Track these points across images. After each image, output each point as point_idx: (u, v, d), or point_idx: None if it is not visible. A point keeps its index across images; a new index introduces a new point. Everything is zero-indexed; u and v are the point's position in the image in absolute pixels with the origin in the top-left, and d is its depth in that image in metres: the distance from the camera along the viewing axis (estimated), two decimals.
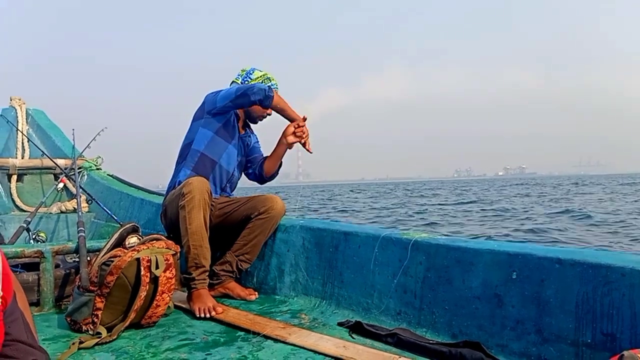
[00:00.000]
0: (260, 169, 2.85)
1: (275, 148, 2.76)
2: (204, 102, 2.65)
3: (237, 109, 2.60)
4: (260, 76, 2.70)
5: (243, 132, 2.79)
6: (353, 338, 1.93)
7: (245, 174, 2.92)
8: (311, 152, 2.56)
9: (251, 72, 2.71)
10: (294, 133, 2.62)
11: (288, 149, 2.72)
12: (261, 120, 2.80)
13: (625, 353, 1.20)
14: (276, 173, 2.86)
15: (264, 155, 2.89)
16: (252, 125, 2.89)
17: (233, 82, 2.72)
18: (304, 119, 2.63)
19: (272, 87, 2.58)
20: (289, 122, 2.62)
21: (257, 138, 2.93)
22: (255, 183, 2.93)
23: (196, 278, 2.32)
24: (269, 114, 2.77)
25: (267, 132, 2.88)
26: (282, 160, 2.80)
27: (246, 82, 2.68)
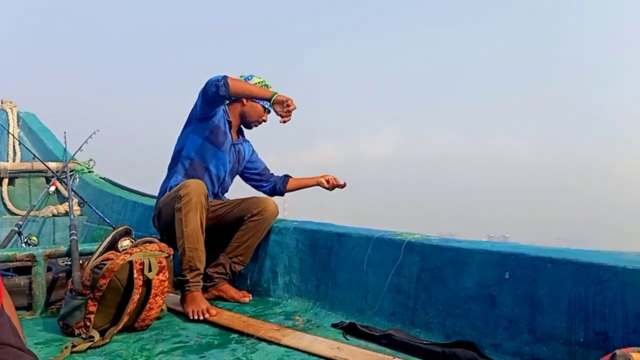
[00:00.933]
0: (282, 187, 2.94)
1: (308, 179, 2.96)
2: (193, 108, 2.65)
3: (212, 108, 2.55)
4: (258, 82, 2.66)
5: (236, 138, 2.77)
6: (347, 339, 1.93)
7: (255, 186, 2.96)
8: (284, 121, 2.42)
9: (249, 77, 2.68)
10: (328, 182, 2.86)
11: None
12: (256, 126, 2.77)
13: (618, 351, 1.21)
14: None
15: (285, 174, 2.98)
16: (246, 131, 2.86)
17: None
18: (344, 185, 2.89)
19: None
20: (279, 117, 2.43)
21: (252, 147, 2.93)
22: (249, 186, 2.96)
23: (190, 281, 2.30)
24: (264, 120, 2.74)
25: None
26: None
27: None
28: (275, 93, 2.39)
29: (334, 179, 2.87)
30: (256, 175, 2.93)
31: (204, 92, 2.47)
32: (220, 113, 2.62)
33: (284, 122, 2.38)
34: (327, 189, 2.89)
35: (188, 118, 2.65)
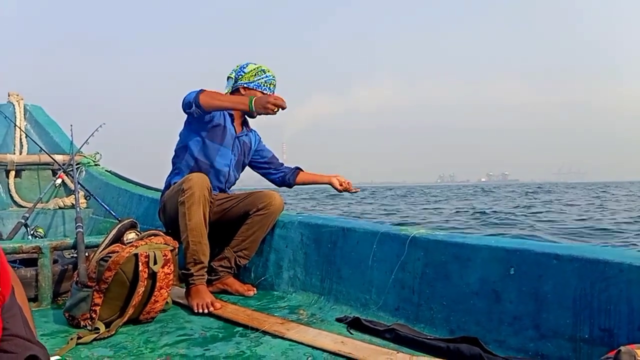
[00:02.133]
0: (291, 178, 2.93)
1: (320, 176, 2.96)
2: None
3: (201, 117, 2.57)
4: (254, 69, 2.64)
5: (240, 130, 2.76)
6: (351, 334, 1.93)
7: (265, 175, 2.97)
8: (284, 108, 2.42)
9: (245, 66, 2.66)
10: (341, 184, 2.86)
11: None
12: (259, 114, 2.75)
13: (623, 348, 1.20)
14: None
15: (297, 166, 2.97)
16: (249, 120, 2.84)
17: (228, 77, 2.68)
18: (356, 191, 2.94)
19: (260, 86, 2.63)
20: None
21: (258, 135, 2.91)
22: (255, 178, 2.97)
23: (195, 274, 2.31)
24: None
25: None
26: None
27: (240, 77, 2.63)
28: (252, 100, 2.36)
29: (348, 183, 2.87)
30: (264, 164, 2.92)
31: (183, 111, 2.52)
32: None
33: (276, 106, 2.36)
34: (337, 190, 2.89)
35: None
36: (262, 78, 2.64)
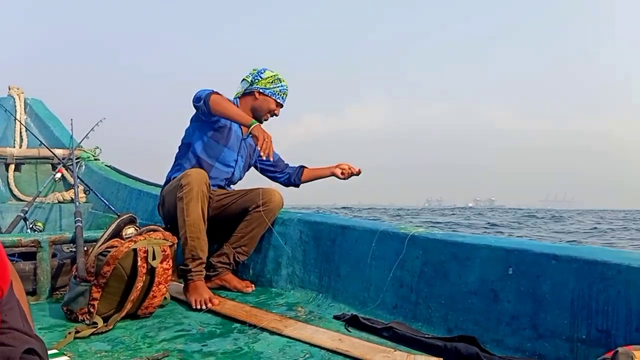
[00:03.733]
0: (297, 178, 2.92)
1: (323, 170, 2.90)
2: None
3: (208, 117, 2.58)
4: (271, 76, 2.67)
5: (247, 131, 2.77)
6: (349, 331, 1.94)
7: (271, 177, 2.95)
8: (265, 158, 2.42)
9: (262, 71, 2.69)
10: (342, 173, 2.81)
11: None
12: (267, 119, 2.75)
13: (620, 349, 1.20)
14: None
15: (301, 165, 2.96)
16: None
17: (243, 79, 2.69)
18: (359, 172, 2.82)
19: (268, 91, 2.65)
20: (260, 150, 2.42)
21: None
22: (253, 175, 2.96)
23: (193, 270, 2.31)
24: (276, 114, 2.73)
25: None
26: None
27: (256, 81, 2.66)
28: (254, 123, 2.38)
29: (349, 167, 2.82)
30: (270, 167, 2.91)
31: (193, 103, 2.53)
32: None
33: (265, 155, 2.33)
34: (341, 179, 2.85)
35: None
36: (278, 87, 2.68)
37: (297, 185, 2.95)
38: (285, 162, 2.96)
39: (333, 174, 2.86)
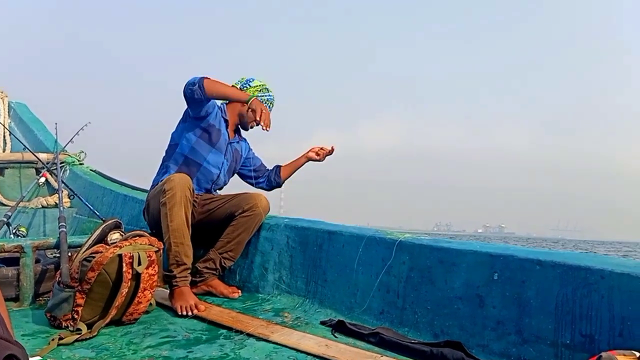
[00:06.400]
0: (277, 177, 2.95)
1: (298, 160, 2.94)
2: None
3: (199, 108, 2.56)
4: (259, 85, 2.71)
5: (233, 136, 2.78)
6: (336, 337, 1.93)
7: (252, 183, 2.96)
8: (268, 130, 2.49)
9: (250, 80, 2.73)
10: (318, 154, 2.87)
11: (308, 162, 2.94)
12: (252, 127, 2.78)
13: (604, 354, 1.22)
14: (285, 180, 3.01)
15: (276, 165, 2.99)
16: (243, 132, 2.88)
17: (232, 86, 2.71)
18: (332, 150, 2.87)
19: (266, 98, 2.70)
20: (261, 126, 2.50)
21: (248, 145, 2.93)
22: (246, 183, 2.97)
23: (177, 276, 2.30)
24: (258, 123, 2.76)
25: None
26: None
27: (244, 89, 2.69)
28: (253, 96, 2.44)
29: (321, 149, 2.88)
30: (252, 173, 2.93)
31: (184, 95, 2.50)
32: (215, 111, 2.64)
33: (267, 130, 2.42)
34: (318, 160, 2.90)
35: (184, 113, 2.65)
36: (265, 96, 2.72)
37: (279, 185, 2.98)
38: (266, 167, 2.99)
39: (309, 159, 2.91)
